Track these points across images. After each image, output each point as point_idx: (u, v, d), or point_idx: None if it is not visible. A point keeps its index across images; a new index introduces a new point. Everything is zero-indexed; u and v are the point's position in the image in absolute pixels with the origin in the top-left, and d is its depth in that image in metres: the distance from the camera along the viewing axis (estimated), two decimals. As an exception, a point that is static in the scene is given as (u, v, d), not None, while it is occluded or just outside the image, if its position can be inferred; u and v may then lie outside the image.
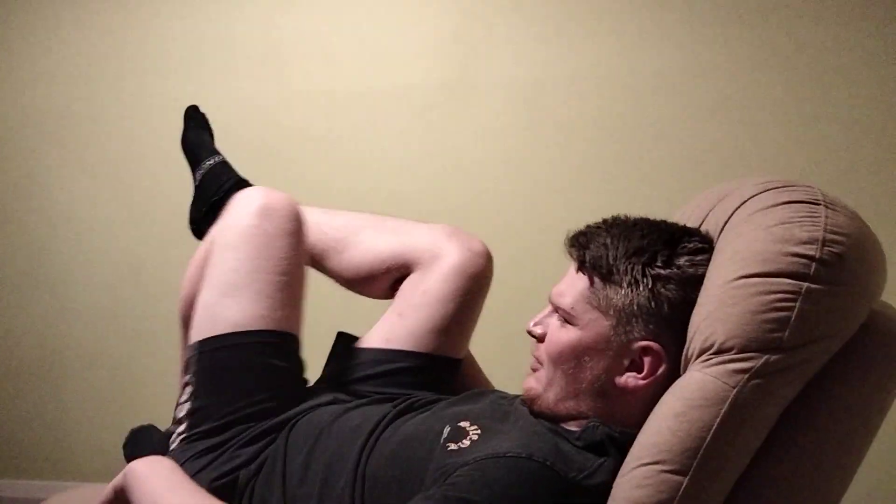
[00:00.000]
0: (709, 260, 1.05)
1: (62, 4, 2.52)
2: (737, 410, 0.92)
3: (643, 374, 1.04)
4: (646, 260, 1.04)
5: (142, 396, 2.50)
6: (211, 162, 1.53)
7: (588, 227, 1.12)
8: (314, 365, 1.40)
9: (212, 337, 1.28)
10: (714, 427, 0.92)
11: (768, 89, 2.21)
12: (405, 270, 1.41)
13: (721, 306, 0.97)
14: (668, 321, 1.03)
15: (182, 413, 1.28)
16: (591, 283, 1.07)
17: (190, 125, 1.61)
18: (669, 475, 0.92)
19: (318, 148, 2.41)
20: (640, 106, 2.27)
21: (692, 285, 1.03)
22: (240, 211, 1.35)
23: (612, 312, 1.05)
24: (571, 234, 1.13)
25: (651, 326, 1.03)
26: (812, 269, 0.94)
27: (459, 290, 1.36)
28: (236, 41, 2.45)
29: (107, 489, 1.12)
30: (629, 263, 1.04)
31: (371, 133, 2.40)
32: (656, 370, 1.03)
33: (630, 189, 2.26)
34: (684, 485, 0.91)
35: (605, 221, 1.12)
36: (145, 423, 1.51)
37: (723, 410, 0.92)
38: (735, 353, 0.94)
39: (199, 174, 1.53)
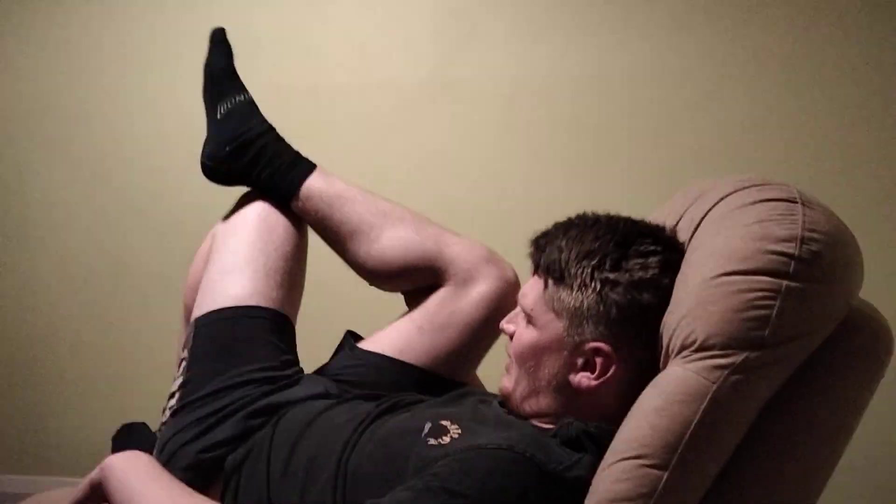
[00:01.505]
0: (663, 261, 1.05)
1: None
2: (716, 406, 0.93)
3: (595, 374, 1.06)
4: (595, 263, 1.06)
5: (124, 391, 2.49)
6: (240, 98, 1.47)
7: (549, 228, 1.14)
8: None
9: (209, 311, 1.30)
10: (694, 422, 0.93)
11: (747, 89, 2.22)
12: (435, 280, 1.39)
13: (701, 304, 0.97)
14: (618, 323, 1.04)
15: (174, 387, 1.28)
16: (546, 285, 1.10)
17: (216, 50, 1.50)
18: (650, 469, 0.92)
19: (296, 143, 2.38)
20: (622, 105, 2.27)
21: (642, 288, 1.04)
22: (244, 205, 1.43)
23: (564, 314, 1.07)
24: (534, 235, 1.15)
25: (601, 328, 1.05)
26: (791, 267, 0.95)
27: (488, 319, 1.35)
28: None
29: (82, 483, 1.11)
30: (579, 266, 1.06)
31: (350, 129, 2.39)
32: (608, 371, 1.05)
33: (611, 188, 2.27)
34: (664, 479, 0.92)
35: (566, 221, 1.14)
36: (137, 420, 1.50)
37: (703, 406, 0.93)
38: (716, 351, 0.94)
39: (224, 107, 1.46)
